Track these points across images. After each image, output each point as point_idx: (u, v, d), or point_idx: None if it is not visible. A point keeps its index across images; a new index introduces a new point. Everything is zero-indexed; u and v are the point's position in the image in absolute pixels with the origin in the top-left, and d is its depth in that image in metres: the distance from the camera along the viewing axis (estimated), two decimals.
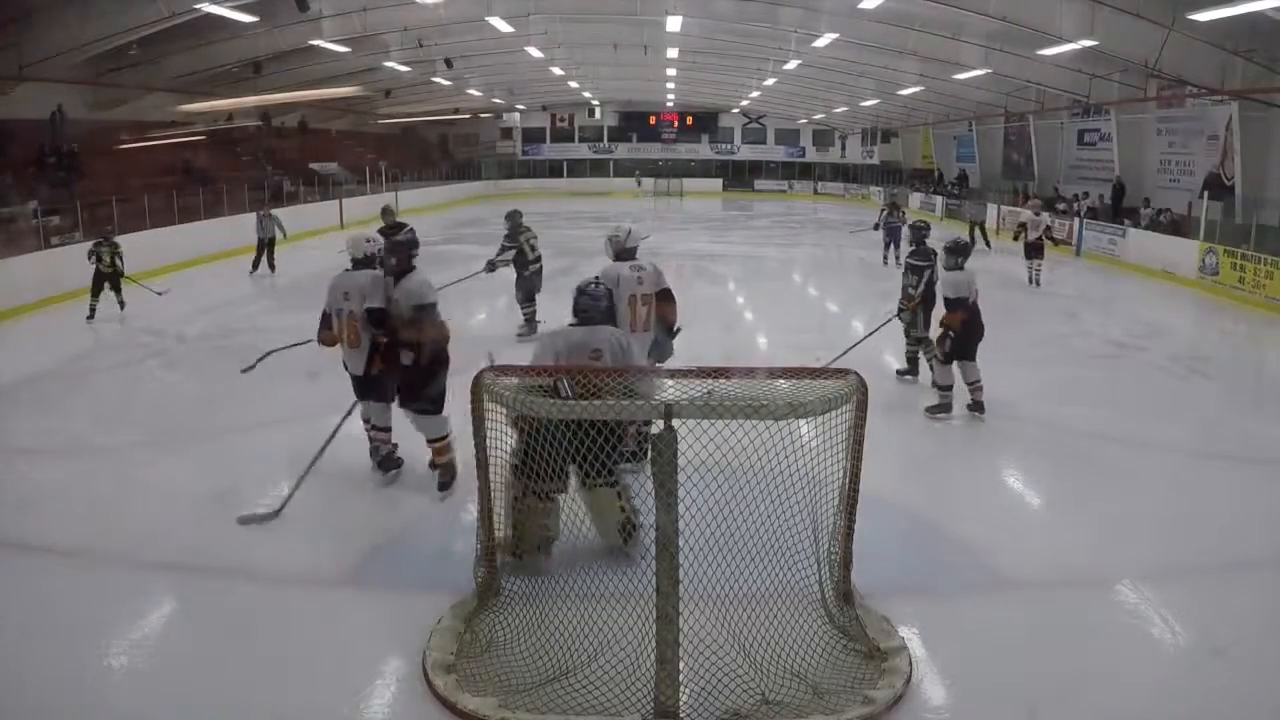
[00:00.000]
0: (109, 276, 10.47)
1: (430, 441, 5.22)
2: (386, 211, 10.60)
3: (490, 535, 3.89)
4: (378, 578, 4.27)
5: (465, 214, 25.23)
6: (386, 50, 19.73)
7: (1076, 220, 18.22)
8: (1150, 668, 3.63)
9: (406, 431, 5.40)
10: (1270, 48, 13.00)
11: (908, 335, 7.83)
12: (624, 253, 5.63)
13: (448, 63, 21.04)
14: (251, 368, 6.69)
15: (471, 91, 28.80)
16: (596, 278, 4.81)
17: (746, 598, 3.58)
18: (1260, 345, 10.61)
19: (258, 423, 6.72)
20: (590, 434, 3.53)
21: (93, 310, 10.37)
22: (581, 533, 4.06)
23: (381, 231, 6.61)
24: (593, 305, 4.45)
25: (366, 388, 5.30)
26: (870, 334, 7.82)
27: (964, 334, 6.61)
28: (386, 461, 5.45)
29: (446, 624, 3.70)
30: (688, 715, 3.16)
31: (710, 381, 3.47)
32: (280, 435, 6.47)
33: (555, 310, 7.28)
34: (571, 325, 4.47)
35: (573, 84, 30.50)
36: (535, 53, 22.08)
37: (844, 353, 7.25)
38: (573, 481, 4.12)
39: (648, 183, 36.08)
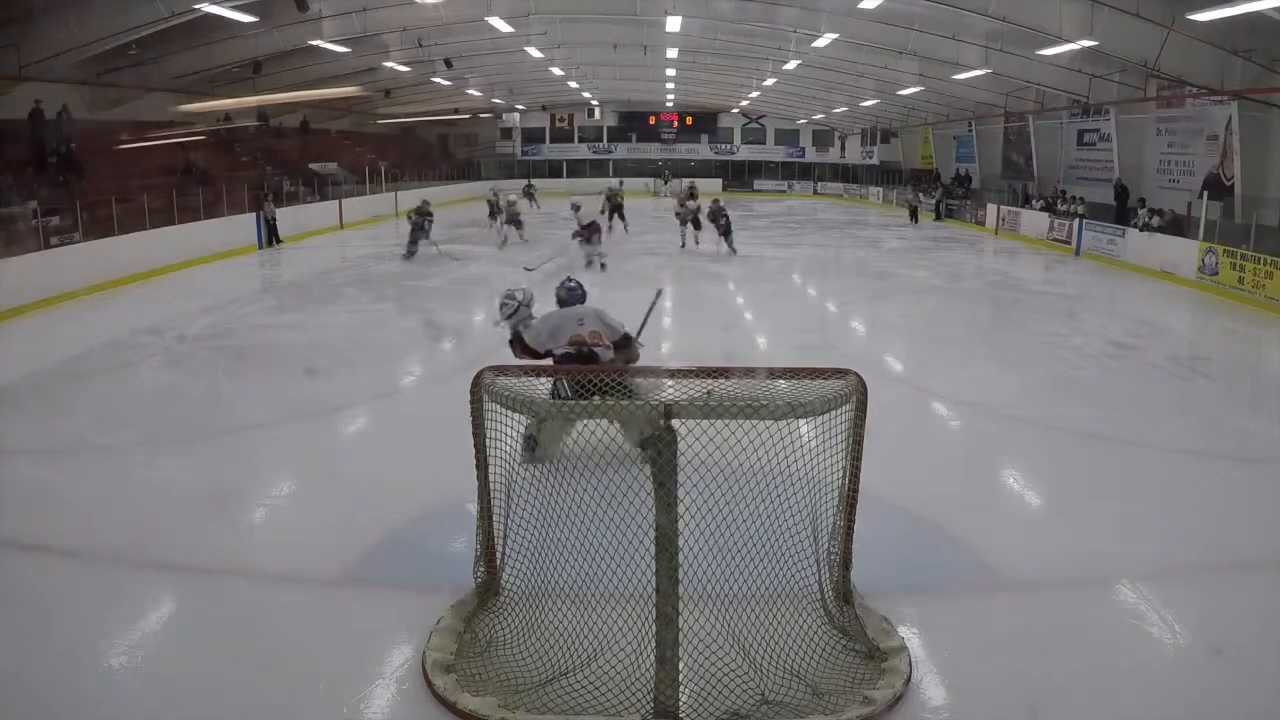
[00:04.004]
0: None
1: None
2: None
3: (490, 535, 3.89)
4: (378, 578, 4.27)
5: (465, 214, 25.21)
6: (386, 50, 19.72)
7: (1076, 221, 18.24)
8: (1150, 668, 3.63)
9: (409, 433, 5.38)
10: (1270, 48, 13.00)
11: None
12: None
13: (448, 63, 21.04)
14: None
15: (471, 91, 28.80)
16: (569, 275, 5.98)
17: (746, 598, 3.58)
18: (1260, 345, 10.61)
19: (257, 423, 6.73)
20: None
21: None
22: (585, 530, 4.06)
23: None
24: (570, 294, 5.70)
25: None
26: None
27: None
28: None
29: (446, 624, 3.70)
30: (687, 715, 3.15)
31: (710, 381, 3.47)
32: (280, 435, 6.49)
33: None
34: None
35: (572, 84, 30.50)
36: (535, 53, 22.09)
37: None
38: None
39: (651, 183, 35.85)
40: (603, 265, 14.33)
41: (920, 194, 27.77)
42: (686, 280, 13.82)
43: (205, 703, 3.32)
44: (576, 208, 16.14)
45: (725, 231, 16.60)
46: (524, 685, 3.34)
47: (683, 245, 17.59)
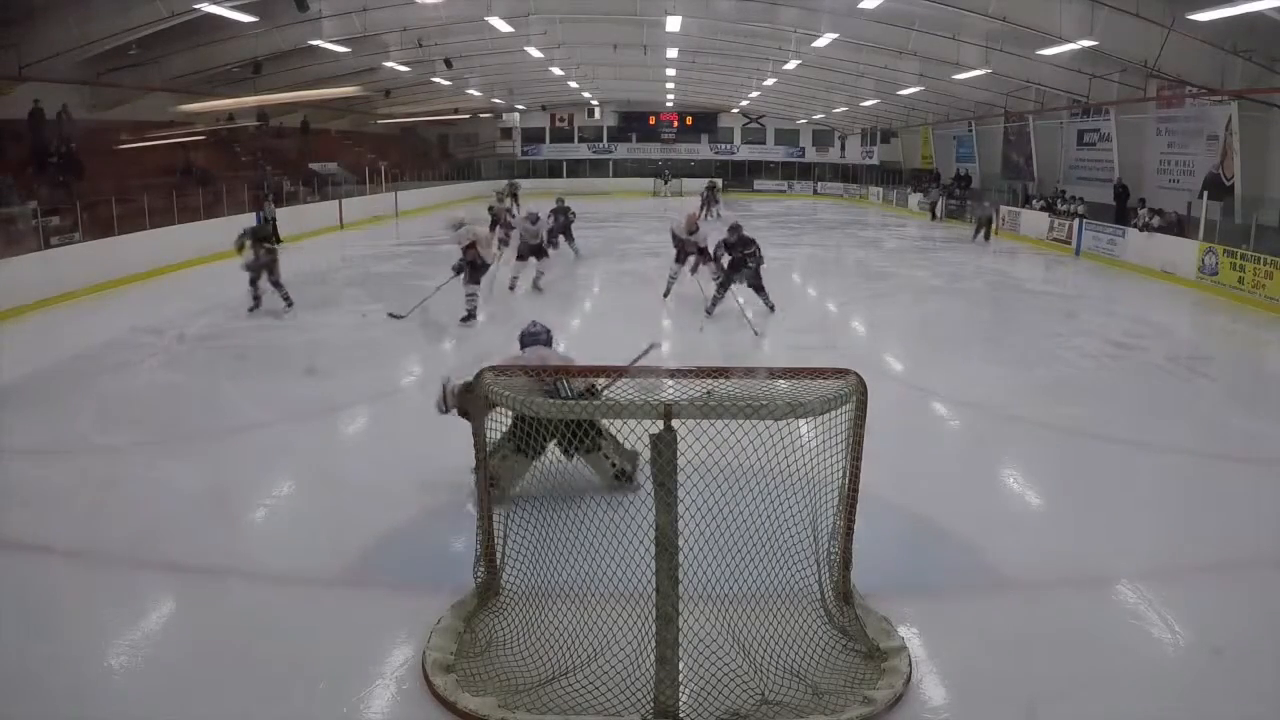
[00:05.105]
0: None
1: None
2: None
3: (490, 535, 3.89)
4: (377, 577, 4.27)
5: (465, 214, 25.19)
6: (386, 50, 19.72)
7: (1076, 221, 18.24)
8: (1150, 668, 3.63)
9: (409, 433, 5.39)
10: (1270, 48, 13.00)
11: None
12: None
13: (448, 63, 21.06)
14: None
15: (471, 91, 28.79)
16: (534, 320, 5.57)
17: (746, 598, 3.59)
18: (1260, 345, 10.61)
19: (258, 423, 6.73)
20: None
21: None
22: (583, 531, 4.06)
23: None
24: (535, 337, 5.36)
25: None
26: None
27: None
28: None
29: (446, 624, 3.71)
30: (687, 715, 3.16)
31: (710, 381, 3.48)
32: (280, 435, 6.49)
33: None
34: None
35: (572, 84, 30.48)
36: (535, 53, 22.09)
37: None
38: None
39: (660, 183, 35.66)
40: (514, 285, 11.47)
41: (997, 204, 21.51)
42: (687, 281, 13.77)
43: (205, 703, 3.32)
44: (457, 226, 11.34)
45: (753, 278, 10.52)
46: (524, 685, 3.34)
47: (666, 294, 11.75)
